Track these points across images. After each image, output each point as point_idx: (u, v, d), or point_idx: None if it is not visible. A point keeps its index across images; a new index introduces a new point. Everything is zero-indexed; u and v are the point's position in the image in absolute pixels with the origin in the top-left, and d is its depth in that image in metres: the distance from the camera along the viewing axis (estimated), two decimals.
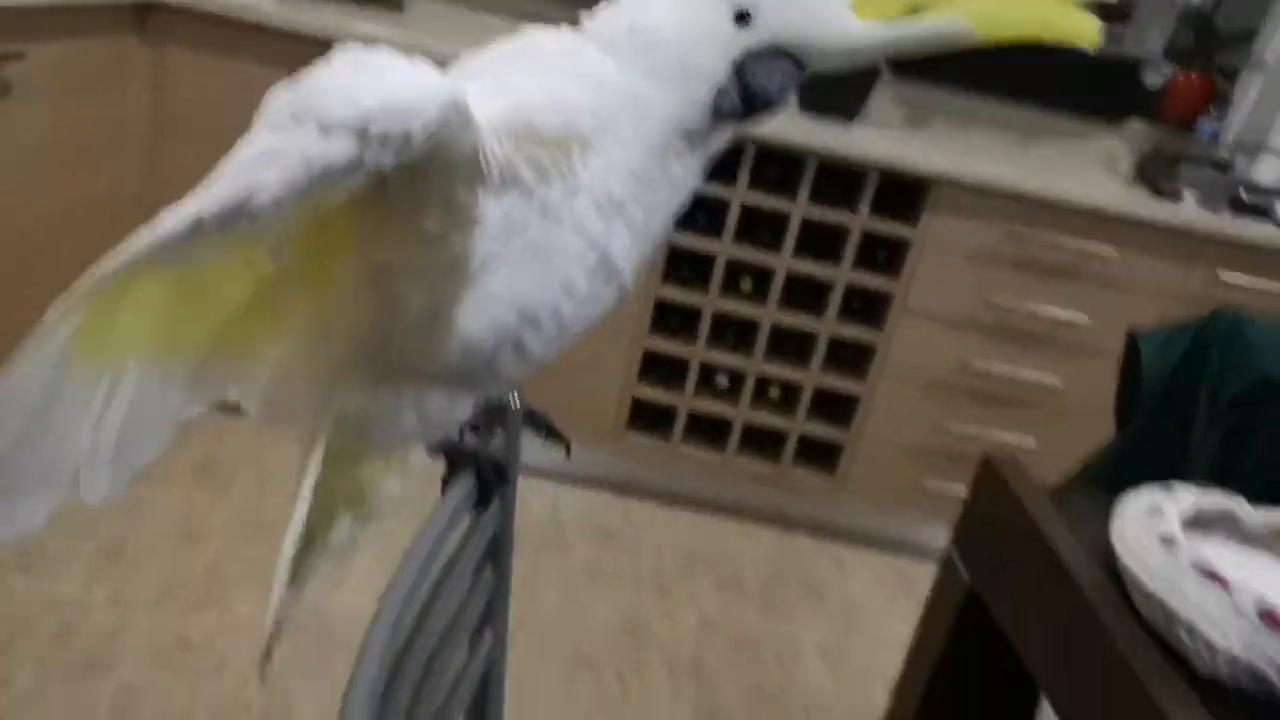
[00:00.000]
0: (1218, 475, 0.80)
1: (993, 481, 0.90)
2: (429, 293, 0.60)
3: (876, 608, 2.25)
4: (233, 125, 0.55)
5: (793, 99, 0.62)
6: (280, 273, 0.61)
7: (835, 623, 2.17)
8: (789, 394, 2.39)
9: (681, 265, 2.31)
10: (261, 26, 2.10)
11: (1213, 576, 0.63)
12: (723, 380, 2.39)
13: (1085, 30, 0.61)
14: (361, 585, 1.78)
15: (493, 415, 0.77)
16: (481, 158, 0.56)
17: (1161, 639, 0.65)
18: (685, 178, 0.64)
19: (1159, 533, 0.68)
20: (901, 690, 0.99)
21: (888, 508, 2.43)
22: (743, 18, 0.60)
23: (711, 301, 2.27)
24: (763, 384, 2.38)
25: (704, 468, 2.43)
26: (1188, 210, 2.22)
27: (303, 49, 2.06)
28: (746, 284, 2.31)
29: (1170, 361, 1.05)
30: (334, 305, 0.63)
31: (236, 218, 0.49)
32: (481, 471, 0.70)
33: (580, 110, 0.60)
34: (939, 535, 2.23)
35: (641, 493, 2.48)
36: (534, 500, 2.35)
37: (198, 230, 0.49)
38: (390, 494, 0.70)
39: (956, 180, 2.13)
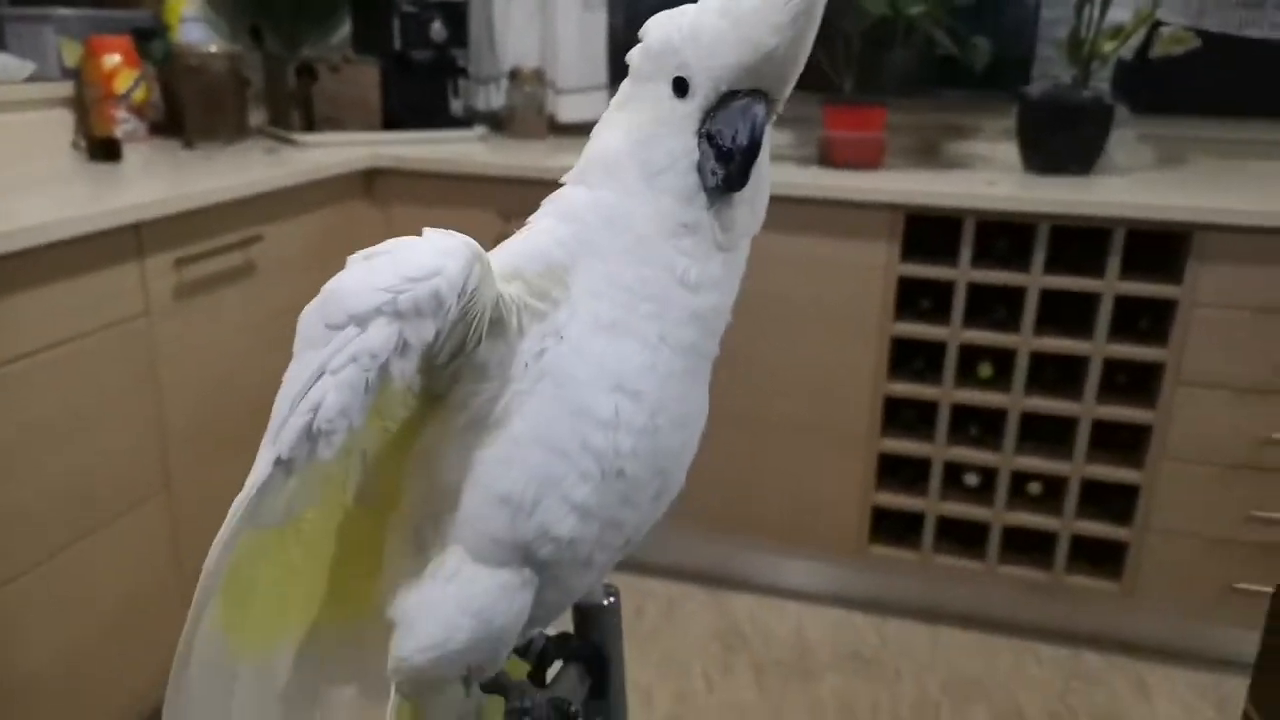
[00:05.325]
0: None
1: None
2: (460, 455, 0.57)
3: None
4: None
5: (767, 129, 0.54)
6: (363, 517, 0.62)
7: None
8: (1052, 489, 2.09)
9: (910, 356, 2.12)
10: (470, 176, 2.21)
11: None
12: (972, 479, 2.14)
13: None
14: None
15: (570, 648, 0.68)
16: (501, 304, 0.55)
17: None
18: (709, 277, 0.57)
19: None
20: None
21: (1192, 615, 2.04)
22: (680, 87, 0.54)
23: (947, 393, 2.06)
24: (1019, 479, 2.10)
25: (963, 578, 2.17)
26: None
27: (508, 189, 2.16)
28: (985, 370, 2.07)
29: None
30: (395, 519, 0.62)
31: (312, 442, 0.51)
32: (537, 715, 0.60)
33: (549, 245, 0.57)
34: (1256, 644, 1.82)
35: (895, 610, 2.25)
36: (777, 623, 2.20)
37: (284, 469, 0.51)
38: None
39: (1226, 224, 1.81)
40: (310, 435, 0.50)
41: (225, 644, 0.57)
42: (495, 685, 0.61)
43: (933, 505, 2.12)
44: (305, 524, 0.60)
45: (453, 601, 0.57)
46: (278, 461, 0.51)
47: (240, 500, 0.52)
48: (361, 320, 0.50)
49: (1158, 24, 2.07)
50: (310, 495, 0.57)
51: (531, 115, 2.52)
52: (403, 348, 0.51)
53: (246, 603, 0.58)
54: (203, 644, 0.55)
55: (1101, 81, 2.22)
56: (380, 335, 0.50)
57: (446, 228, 0.54)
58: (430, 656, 0.57)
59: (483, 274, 0.53)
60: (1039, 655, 2.11)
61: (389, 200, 2.29)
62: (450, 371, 0.56)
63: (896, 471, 2.18)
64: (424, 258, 0.51)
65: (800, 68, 0.53)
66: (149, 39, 2.28)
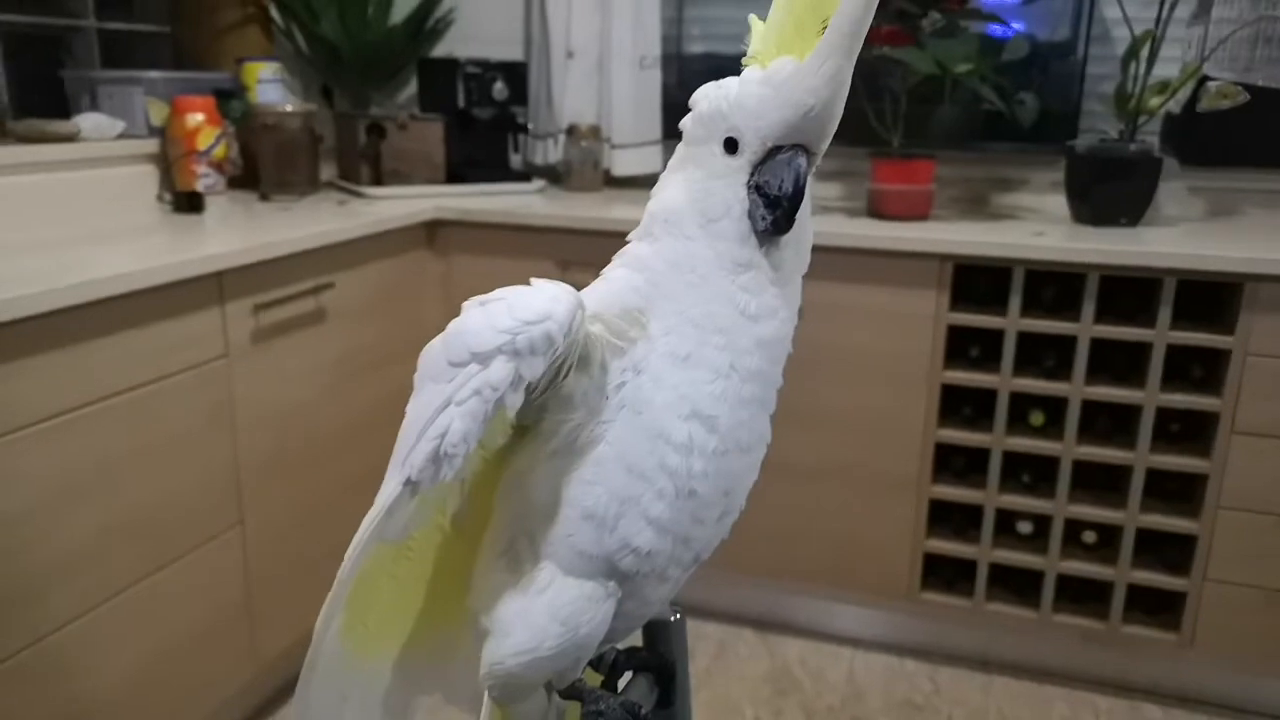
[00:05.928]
0: None
1: None
2: (549, 478, 0.63)
3: None
4: None
5: (807, 178, 0.61)
6: (458, 536, 0.69)
7: None
8: (1107, 537, 2.09)
9: (960, 403, 2.14)
10: (528, 227, 2.29)
11: None
12: (1025, 526, 2.15)
13: None
14: None
15: (639, 659, 0.73)
16: (588, 342, 0.61)
17: None
18: (768, 308, 0.63)
19: None
20: None
21: (1252, 668, 2.01)
22: (731, 146, 0.61)
23: (998, 440, 2.07)
24: (1073, 527, 2.10)
25: (1016, 627, 2.16)
26: None
27: (565, 239, 2.24)
28: (1037, 417, 2.09)
29: None
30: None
31: (437, 465, 0.57)
32: (611, 717, 0.64)
33: (625, 291, 0.64)
34: None
35: (947, 657, 2.24)
36: (828, 668, 2.20)
37: (411, 489, 0.57)
38: None
39: (1278, 274, 1.82)
40: (436, 459, 0.56)
41: (345, 651, 0.63)
42: (573, 691, 0.66)
43: (985, 552, 2.13)
44: (413, 543, 0.67)
45: (544, 610, 0.62)
46: (407, 482, 0.57)
47: (371, 517, 0.58)
48: (483, 358, 0.56)
49: (1205, 79, 2.10)
50: (422, 517, 0.64)
51: (588, 169, 2.61)
52: (516, 382, 0.57)
53: (366, 612, 0.64)
54: (328, 650, 0.61)
55: (1150, 134, 2.25)
56: (500, 371, 0.56)
57: (506, 277, 0.61)
58: (523, 660, 0.62)
59: (582, 318, 0.59)
60: (1096, 707, 2.08)
61: (450, 250, 2.38)
62: (539, 404, 0.62)
63: (948, 518, 2.19)
64: (538, 303, 0.57)
65: (836, 123, 0.60)
66: (229, 99, 2.42)
